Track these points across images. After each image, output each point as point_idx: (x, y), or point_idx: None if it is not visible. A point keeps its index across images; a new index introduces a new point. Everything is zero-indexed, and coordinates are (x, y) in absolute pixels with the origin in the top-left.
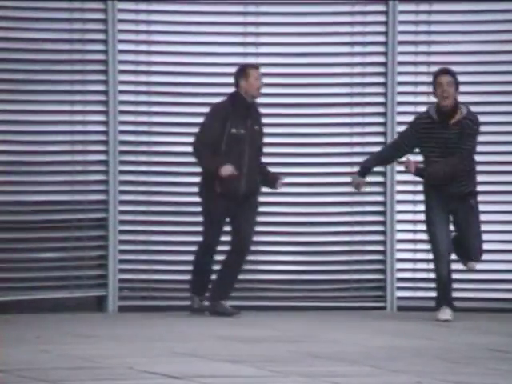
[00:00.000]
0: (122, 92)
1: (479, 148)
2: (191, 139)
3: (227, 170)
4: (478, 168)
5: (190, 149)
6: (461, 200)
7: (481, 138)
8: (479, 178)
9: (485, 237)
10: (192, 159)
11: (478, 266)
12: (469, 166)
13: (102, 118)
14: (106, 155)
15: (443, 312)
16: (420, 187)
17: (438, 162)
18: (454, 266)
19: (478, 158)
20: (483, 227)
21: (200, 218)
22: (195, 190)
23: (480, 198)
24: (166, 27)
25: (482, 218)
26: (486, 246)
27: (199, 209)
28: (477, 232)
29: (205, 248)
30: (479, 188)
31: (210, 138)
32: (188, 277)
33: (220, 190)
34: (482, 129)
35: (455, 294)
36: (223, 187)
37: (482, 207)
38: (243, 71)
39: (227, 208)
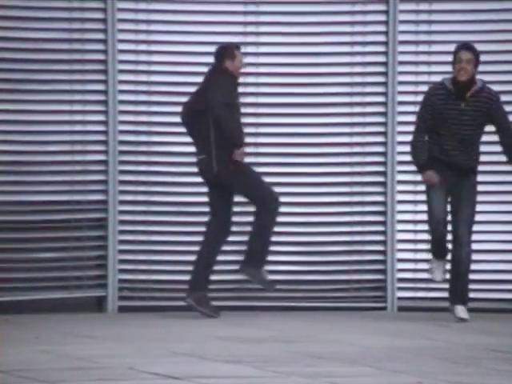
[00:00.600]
0: (121, 92)
1: (481, 148)
2: (191, 139)
3: (242, 154)
4: (482, 168)
5: (190, 148)
6: (464, 175)
7: (485, 138)
8: (480, 178)
9: (486, 237)
10: (192, 159)
11: (479, 267)
12: (479, 138)
13: (101, 117)
14: (106, 155)
15: (463, 310)
16: (421, 187)
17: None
18: (449, 266)
19: (480, 157)
20: (483, 227)
21: (200, 218)
22: (195, 189)
23: (480, 198)
24: (166, 27)
25: (483, 218)
26: (486, 247)
27: (200, 209)
28: (468, 214)
29: (273, 202)
30: (480, 188)
31: (229, 99)
32: (188, 277)
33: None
34: (486, 128)
35: None
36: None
37: (482, 207)
38: (231, 53)
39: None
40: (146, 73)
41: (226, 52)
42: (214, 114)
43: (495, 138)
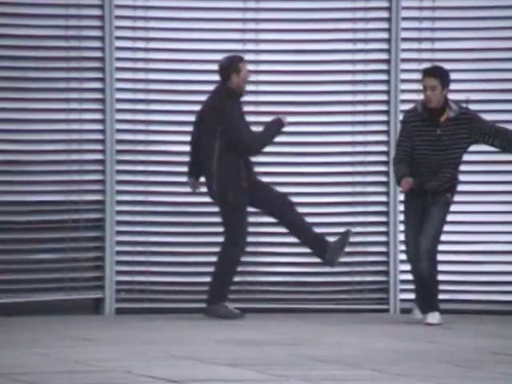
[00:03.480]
0: (119, 90)
1: (480, 147)
2: (190, 138)
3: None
4: (480, 167)
5: (189, 147)
6: (438, 194)
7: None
8: (480, 178)
9: (486, 238)
10: (190, 159)
11: (480, 268)
12: (459, 159)
13: (98, 116)
14: (103, 154)
15: (432, 316)
16: None
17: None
18: (453, 268)
19: (479, 157)
20: (484, 228)
21: (198, 219)
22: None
23: (481, 198)
24: (164, 24)
25: (484, 218)
26: (488, 248)
27: (198, 209)
28: (433, 229)
29: (241, 247)
30: (480, 188)
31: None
32: (187, 278)
33: (245, 184)
34: None
35: (458, 297)
36: (248, 180)
37: (483, 207)
38: (235, 66)
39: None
40: (144, 70)
41: (230, 65)
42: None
43: None
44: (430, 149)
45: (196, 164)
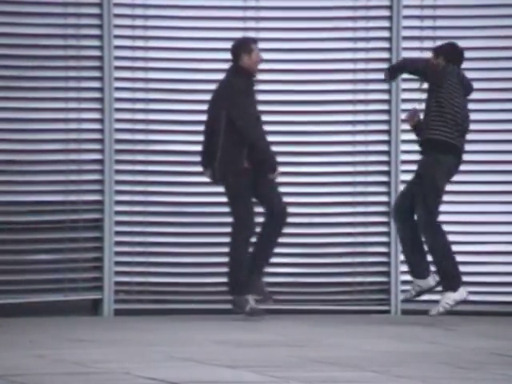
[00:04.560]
0: (117, 89)
1: (482, 147)
2: (190, 137)
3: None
4: (481, 167)
5: (189, 147)
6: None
7: (485, 137)
8: (481, 178)
9: (488, 238)
10: (190, 158)
11: (482, 269)
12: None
13: (97, 115)
14: (102, 154)
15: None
16: None
17: None
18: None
19: (480, 157)
20: (486, 228)
21: (198, 219)
22: (194, 189)
23: (481, 198)
24: (164, 22)
25: (484, 218)
26: (489, 248)
27: (198, 209)
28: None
29: (246, 232)
30: (481, 188)
31: (255, 114)
32: (186, 279)
33: (248, 164)
34: (487, 127)
35: None
36: (251, 161)
37: (483, 208)
38: (247, 46)
39: (251, 184)
40: (143, 69)
41: (241, 45)
42: (246, 135)
43: (500, 136)
44: None
45: (208, 153)
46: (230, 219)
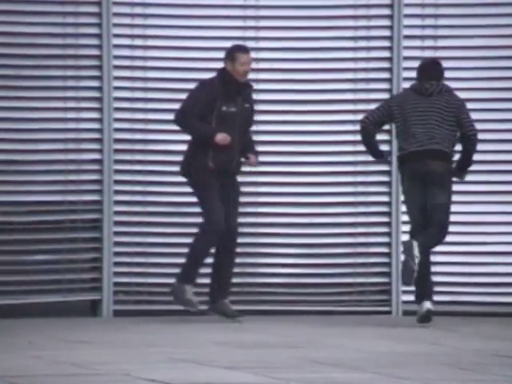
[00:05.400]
0: (116, 88)
1: (482, 147)
2: (189, 137)
3: (224, 138)
4: (483, 167)
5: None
6: None
7: (486, 136)
8: (481, 178)
9: (489, 239)
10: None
11: (483, 269)
12: None
13: (96, 115)
14: (101, 154)
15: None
16: None
17: None
18: (455, 269)
19: (481, 157)
20: (486, 228)
21: (197, 219)
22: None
23: (482, 198)
24: (163, 21)
25: (485, 218)
26: (490, 249)
27: (197, 209)
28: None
29: (212, 229)
30: (482, 188)
31: (197, 109)
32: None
33: (212, 165)
34: (489, 126)
35: (460, 298)
36: (216, 162)
37: (484, 208)
38: (231, 54)
39: (217, 186)
40: (142, 69)
41: (228, 52)
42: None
43: (502, 136)
44: None
45: None
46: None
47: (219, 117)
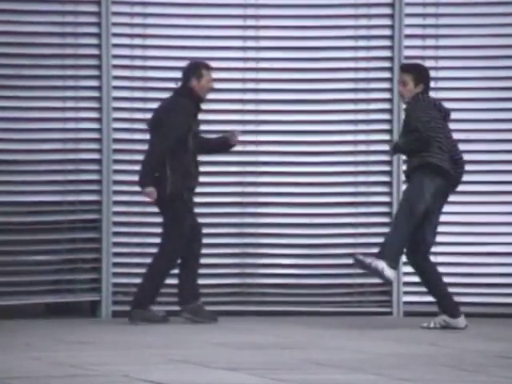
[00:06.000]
0: (116, 88)
1: (482, 147)
2: None
3: (151, 193)
4: (484, 167)
5: None
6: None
7: (487, 136)
8: (480, 178)
9: (490, 239)
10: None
11: (484, 270)
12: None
13: (95, 114)
14: (100, 154)
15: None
16: None
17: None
18: (456, 269)
19: (482, 156)
20: (487, 229)
21: (198, 219)
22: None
23: (482, 198)
24: (162, 20)
25: (486, 219)
26: (491, 249)
27: (197, 210)
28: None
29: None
30: (482, 188)
31: (177, 137)
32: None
33: (186, 196)
34: (490, 126)
35: (460, 299)
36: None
37: (485, 208)
38: (197, 70)
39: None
40: (142, 68)
41: (192, 68)
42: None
43: (503, 135)
44: None
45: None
46: (228, 220)
47: (192, 137)
